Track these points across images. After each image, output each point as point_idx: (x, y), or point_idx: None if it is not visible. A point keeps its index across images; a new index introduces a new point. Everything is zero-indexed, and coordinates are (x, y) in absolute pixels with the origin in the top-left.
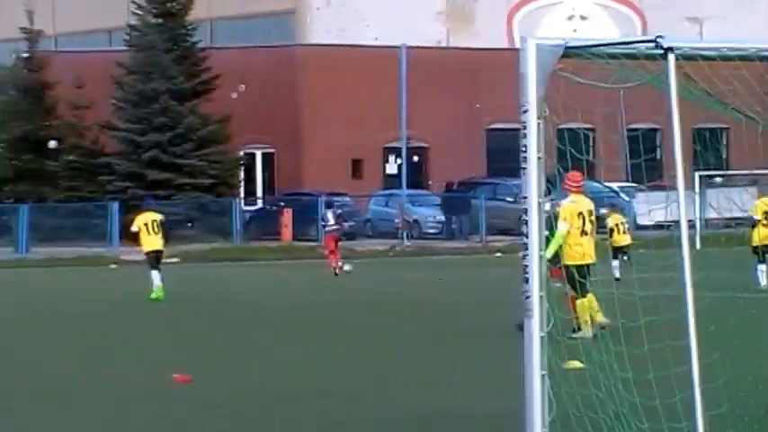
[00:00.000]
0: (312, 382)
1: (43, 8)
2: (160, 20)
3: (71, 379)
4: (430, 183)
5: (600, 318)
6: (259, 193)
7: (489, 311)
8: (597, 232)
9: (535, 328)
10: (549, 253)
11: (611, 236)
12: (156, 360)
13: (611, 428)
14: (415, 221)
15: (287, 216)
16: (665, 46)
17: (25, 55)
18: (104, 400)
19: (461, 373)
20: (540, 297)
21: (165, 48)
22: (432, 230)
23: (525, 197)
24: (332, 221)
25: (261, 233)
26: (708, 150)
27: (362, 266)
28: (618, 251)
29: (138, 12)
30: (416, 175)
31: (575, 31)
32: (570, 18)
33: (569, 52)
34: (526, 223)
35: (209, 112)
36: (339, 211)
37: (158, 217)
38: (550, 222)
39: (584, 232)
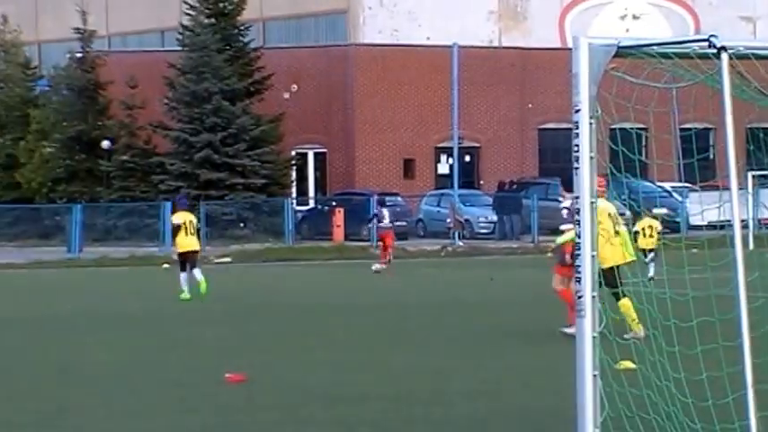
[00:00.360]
0: (364, 382)
1: (97, 9)
2: (213, 20)
3: (123, 379)
4: (482, 183)
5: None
6: (311, 193)
7: (541, 311)
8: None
9: (587, 327)
10: (561, 240)
11: (635, 239)
12: (209, 359)
13: (663, 429)
14: (467, 221)
15: (339, 216)
16: (719, 45)
17: (79, 55)
18: (159, 400)
19: (514, 372)
20: (593, 297)
21: (217, 48)
22: (483, 230)
23: (578, 197)
24: (387, 219)
25: (313, 233)
26: (761, 150)
27: (414, 266)
28: (642, 252)
29: (190, 12)
30: (468, 175)
31: (627, 30)
32: (623, 17)
33: (622, 52)
34: (578, 223)
35: (261, 112)
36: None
37: (194, 219)
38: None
39: (616, 233)
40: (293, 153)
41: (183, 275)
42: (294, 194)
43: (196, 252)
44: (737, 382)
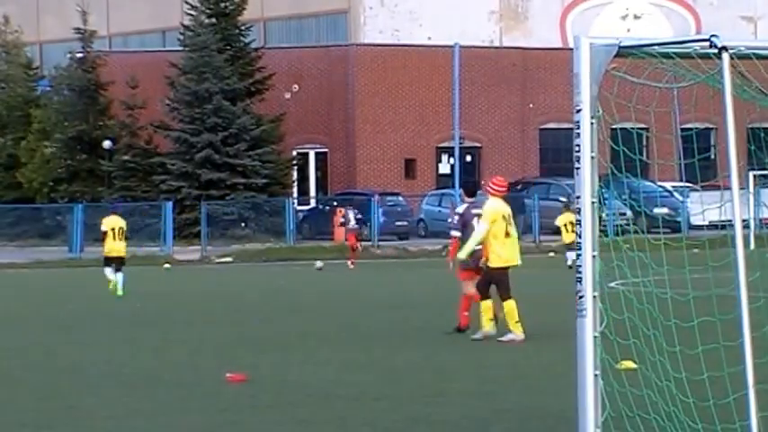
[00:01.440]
0: (365, 382)
1: (98, 9)
2: (213, 20)
3: (124, 378)
4: (482, 182)
5: (491, 326)
6: (312, 192)
7: (541, 311)
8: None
9: (588, 327)
10: (465, 253)
11: (560, 234)
12: (210, 359)
13: (664, 428)
14: None
15: (340, 216)
16: (720, 45)
17: (80, 55)
18: (160, 400)
19: (515, 372)
20: (594, 297)
21: (218, 48)
22: None
23: (578, 197)
24: (353, 221)
25: (314, 233)
26: (763, 150)
27: (415, 266)
28: (569, 248)
29: (191, 12)
30: (469, 175)
31: (628, 30)
32: (624, 17)
33: (623, 52)
34: (579, 223)
35: (262, 112)
36: (358, 213)
37: (123, 224)
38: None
39: (507, 234)
40: (294, 153)
41: (107, 269)
42: (295, 194)
43: (121, 257)
44: (738, 382)
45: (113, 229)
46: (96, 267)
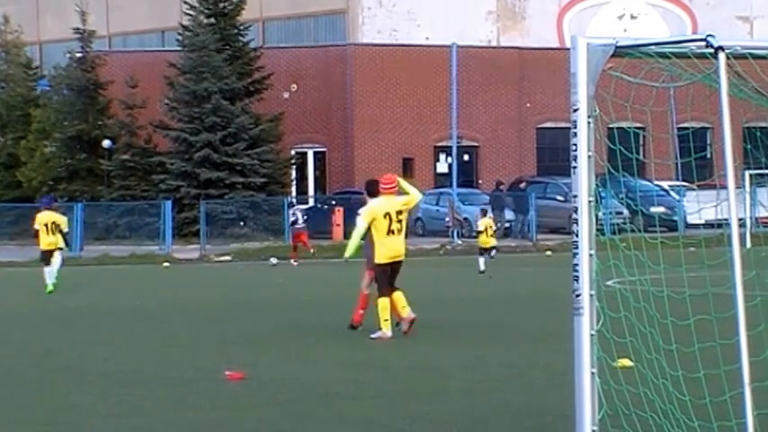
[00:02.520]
0: (363, 380)
1: (98, 9)
2: (212, 20)
3: (124, 376)
4: (480, 181)
5: (407, 313)
6: (311, 191)
7: (539, 309)
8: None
9: (585, 326)
10: (349, 252)
11: (478, 237)
12: (209, 357)
13: (660, 426)
14: (466, 220)
15: (338, 215)
16: (716, 45)
17: (79, 55)
18: (159, 397)
19: (512, 370)
20: (591, 295)
21: (216, 48)
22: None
23: (575, 195)
24: (301, 220)
25: (312, 232)
26: (759, 149)
27: (413, 265)
28: (484, 251)
29: (190, 12)
30: (467, 174)
31: (625, 30)
32: (620, 17)
33: (620, 51)
34: (576, 222)
35: (260, 112)
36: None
37: (57, 218)
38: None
39: (390, 231)
40: (293, 152)
41: (46, 269)
42: (294, 193)
43: (53, 251)
44: (735, 380)
45: (46, 225)
46: (97, 266)
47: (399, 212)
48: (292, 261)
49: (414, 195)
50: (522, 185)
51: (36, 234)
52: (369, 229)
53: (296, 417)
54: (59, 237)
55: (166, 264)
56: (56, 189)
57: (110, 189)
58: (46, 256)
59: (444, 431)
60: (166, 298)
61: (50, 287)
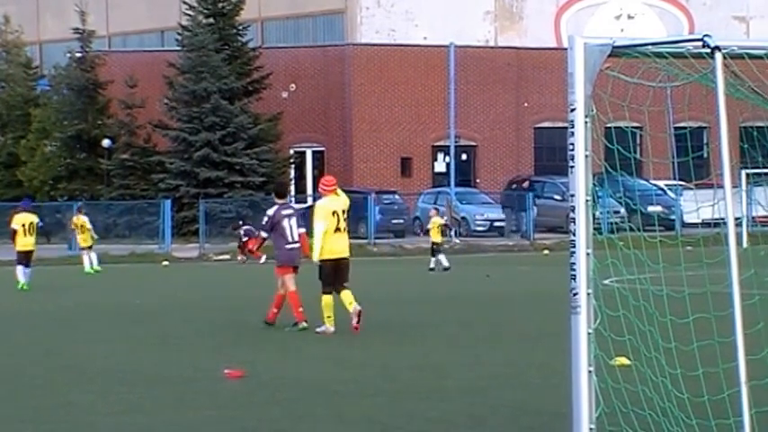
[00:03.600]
0: (362, 378)
1: (97, 9)
2: (211, 20)
3: (123, 375)
4: (478, 181)
5: (353, 308)
6: (309, 191)
7: (536, 308)
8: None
9: (582, 324)
10: (316, 255)
11: (429, 234)
12: (208, 355)
13: (659, 424)
14: (463, 219)
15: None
16: (712, 45)
17: (79, 55)
18: (158, 396)
19: (510, 369)
20: (588, 294)
21: (215, 48)
22: (480, 228)
23: (573, 195)
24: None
25: (311, 231)
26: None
27: (411, 264)
28: (437, 249)
29: (189, 12)
30: (465, 174)
31: (622, 30)
32: (618, 17)
33: (617, 51)
34: (574, 221)
35: (259, 111)
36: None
37: (34, 219)
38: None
39: (337, 229)
40: (291, 151)
41: (19, 268)
42: (293, 192)
43: (31, 251)
44: (733, 378)
45: (24, 225)
46: (97, 265)
47: (344, 211)
48: (239, 257)
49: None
50: (526, 185)
51: (13, 234)
52: (275, 230)
53: (295, 415)
54: (33, 239)
55: (166, 263)
56: (56, 188)
57: (109, 188)
58: (21, 257)
59: (443, 429)
60: (166, 297)
61: (25, 285)
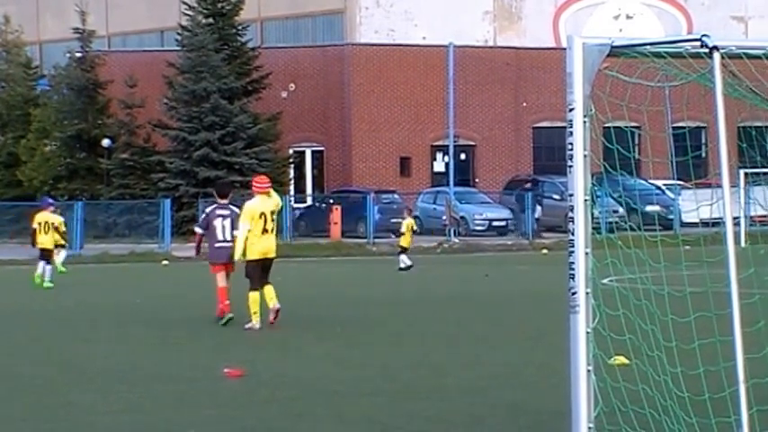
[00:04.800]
0: (362, 377)
1: (97, 9)
2: (211, 20)
3: (123, 374)
4: (477, 180)
5: (273, 304)
6: (308, 190)
7: (535, 307)
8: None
9: (581, 323)
10: (238, 253)
11: (399, 236)
12: (208, 354)
13: (659, 423)
14: (462, 219)
15: (336, 213)
16: (711, 45)
17: (79, 55)
18: (158, 395)
19: (509, 368)
20: (587, 293)
21: (215, 48)
22: (479, 228)
23: (571, 194)
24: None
25: (310, 230)
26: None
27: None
28: (405, 250)
29: (188, 13)
30: (464, 173)
31: (621, 30)
32: (616, 17)
33: (615, 51)
34: (572, 220)
35: (259, 111)
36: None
37: (52, 219)
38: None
39: (265, 230)
40: (291, 151)
41: (41, 264)
42: (292, 192)
43: (49, 249)
44: (733, 377)
45: (40, 224)
46: (96, 264)
47: (273, 212)
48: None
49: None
50: (528, 185)
51: (33, 232)
52: (208, 228)
53: (295, 414)
54: (51, 237)
55: (165, 262)
56: (56, 188)
57: (109, 188)
58: (41, 254)
59: (442, 429)
60: (166, 296)
61: (45, 283)
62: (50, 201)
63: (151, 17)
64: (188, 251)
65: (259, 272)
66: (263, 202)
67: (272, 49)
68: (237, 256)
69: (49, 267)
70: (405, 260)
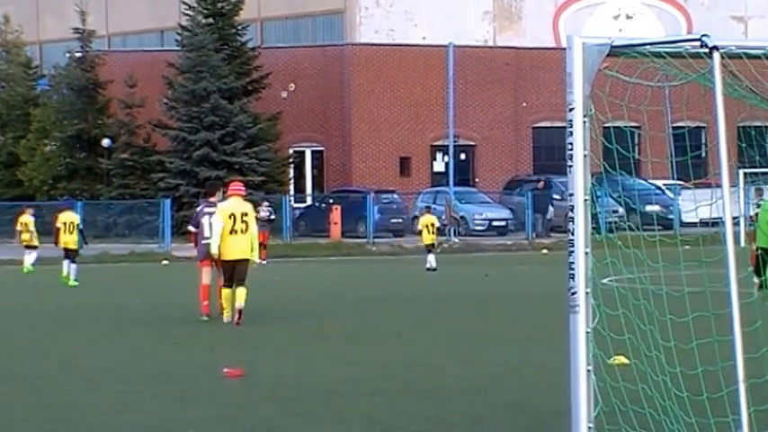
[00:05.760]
0: (361, 377)
1: (97, 8)
2: (211, 20)
3: (122, 374)
4: (477, 180)
5: (238, 304)
6: (308, 190)
7: (535, 307)
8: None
9: (581, 323)
10: (214, 248)
11: (420, 235)
12: (208, 354)
13: (658, 422)
14: (462, 218)
15: (336, 213)
16: (710, 45)
17: (79, 55)
18: (158, 394)
19: (509, 368)
20: (586, 293)
21: (215, 48)
22: (479, 227)
23: (571, 194)
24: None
25: (310, 230)
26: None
27: (410, 263)
28: (428, 248)
29: (188, 12)
30: (464, 173)
31: (620, 30)
32: (616, 17)
33: (615, 51)
34: (572, 220)
35: (259, 111)
36: (270, 208)
37: (75, 219)
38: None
39: (233, 231)
40: (291, 151)
41: (65, 262)
42: (292, 192)
43: (73, 249)
44: (732, 376)
45: (64, 224)
46: (96, 264)
47: (245, 214)
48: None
49: None
50: (541, 185)
51: (56, 231)
52: (198, 226)
53: (294, 414)
54: (75, 236)
55: (165, 262)
56: (56, 188)
57: (109, 188)
58: (65, 253)
59: (442, 429)
60: (165, 296)
61: (70, 281)
62: (72, 201)
63: (151, 17)
64: (188, 251)
65: (230, 270)
66: (236, 204)
67: (271, 49)
68: (213, 250)
69: (74, 266)
70: (431, 261)
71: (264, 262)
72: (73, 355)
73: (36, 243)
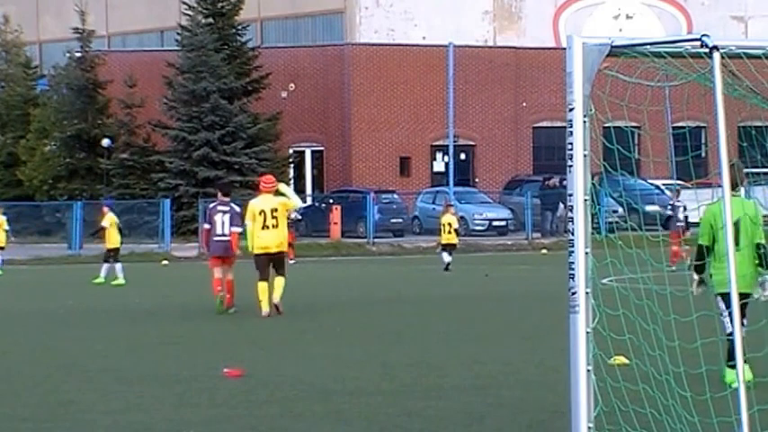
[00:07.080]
0: (361, 377)
1: (97, 8)
2: (211, 20)
3: (122, 374)
4: (476, 180)
5: (275, 296)
6: (308, 190)
7: (534, 307)
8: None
9: (581, 323)
10: (250, 247)
11: (440, 234)
12: (208, 354)
13: (660, 422)
14: (462, 218)
15: (336, 213)
16: (711, 44)
17: (78, 55)
18: (158, 394)
19: (509, 367)
20: (586, 293)
21: (215, 48)
22: (479, 227)
23: (571, 194)
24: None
25: (310, 230)
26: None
27: (410, 263)
28: (447, 247)
29: (188, 12)
30: (463, 173)
31: (620, 30)
32: (616, 17)
33: (615, 51)
34: (572, 220)
35: (258, 111)
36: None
37: (116, 220)
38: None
39: (265, 226)
40: (291, 151)
41: (105, 265)
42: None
43: (117, 249)
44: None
45: (111, 224)
46: (96, 264)
47: (274, 210)
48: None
49: (294, 202)
50: (552, 183)
51: (103, 232)
52: (211, 223)
53: (294, 414)
54: (119, 237)
55: (165, 262)
56: (55, 188)
57: (109, 188)
58: (109, 254)
59: (441, 428)
60: (165, 296)
61: (121, 281)
62: (112, 200)
63: (151, 17)
64: (188, 251)
65: (264, 263)
66: (265, 201)
67: (271, 49)
68: (251, 248)
69: (118, 265)
70: (444, 258)
71: (293, 261)
72: (73, 355)
73: (3, 244)
